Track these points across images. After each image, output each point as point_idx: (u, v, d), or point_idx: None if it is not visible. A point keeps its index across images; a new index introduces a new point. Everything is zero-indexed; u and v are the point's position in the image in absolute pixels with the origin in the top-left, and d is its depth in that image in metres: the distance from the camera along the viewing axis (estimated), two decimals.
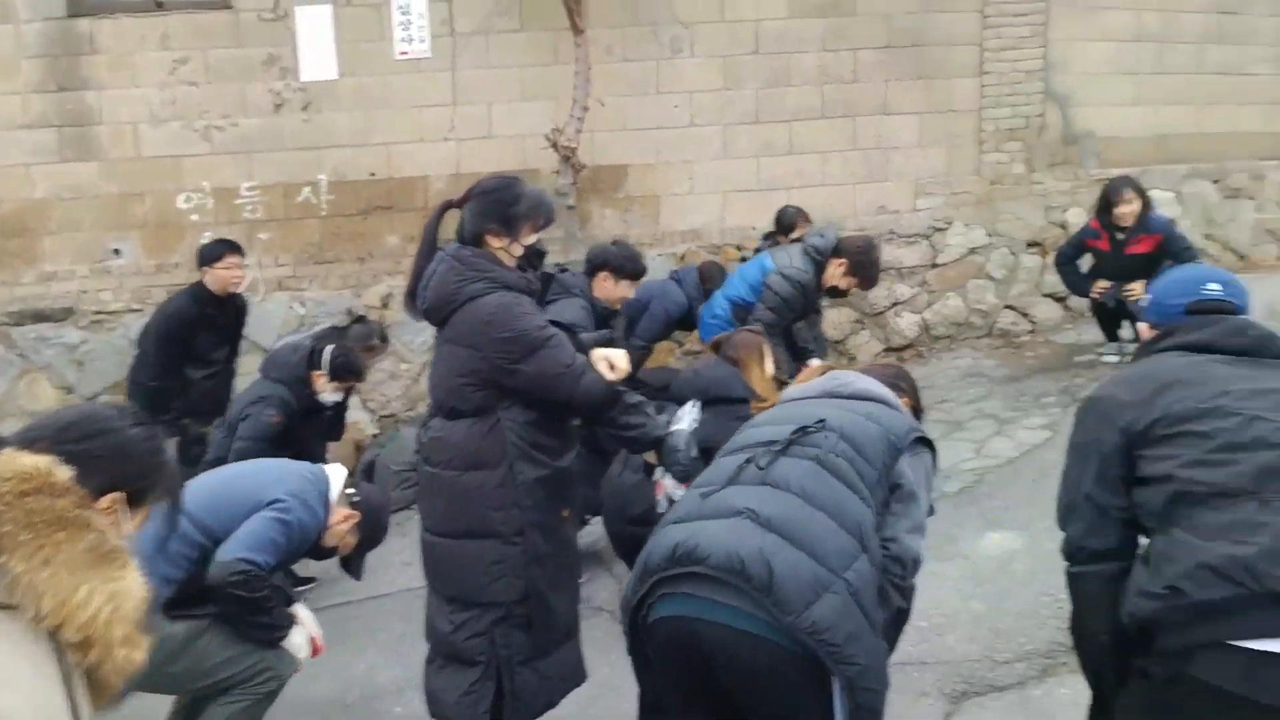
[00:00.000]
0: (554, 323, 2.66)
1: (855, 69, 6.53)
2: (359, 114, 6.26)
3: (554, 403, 2.57)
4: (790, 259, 4.61)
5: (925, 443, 2.15)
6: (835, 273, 4.59)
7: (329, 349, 4.42)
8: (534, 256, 2.75)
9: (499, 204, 2.60)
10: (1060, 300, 6.90)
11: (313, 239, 6.37)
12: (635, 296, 4.58)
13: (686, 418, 3.16)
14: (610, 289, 4.27)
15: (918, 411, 2.39)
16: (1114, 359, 5.83)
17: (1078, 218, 6.61)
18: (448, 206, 2.70)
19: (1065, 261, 5.87)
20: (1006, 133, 6.73)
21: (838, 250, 4.57)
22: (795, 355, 4.78)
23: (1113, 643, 1.83)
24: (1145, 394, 1.83)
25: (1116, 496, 1.84)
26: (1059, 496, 1.99)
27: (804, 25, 6.42)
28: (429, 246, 2.66)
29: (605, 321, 4.24)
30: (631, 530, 3.43)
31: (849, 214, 6.70)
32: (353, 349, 4.61)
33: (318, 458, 4.34)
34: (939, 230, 6.78)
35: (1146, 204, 5.47)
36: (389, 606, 4.27)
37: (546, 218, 2.71)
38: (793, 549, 1.78)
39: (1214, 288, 2.03)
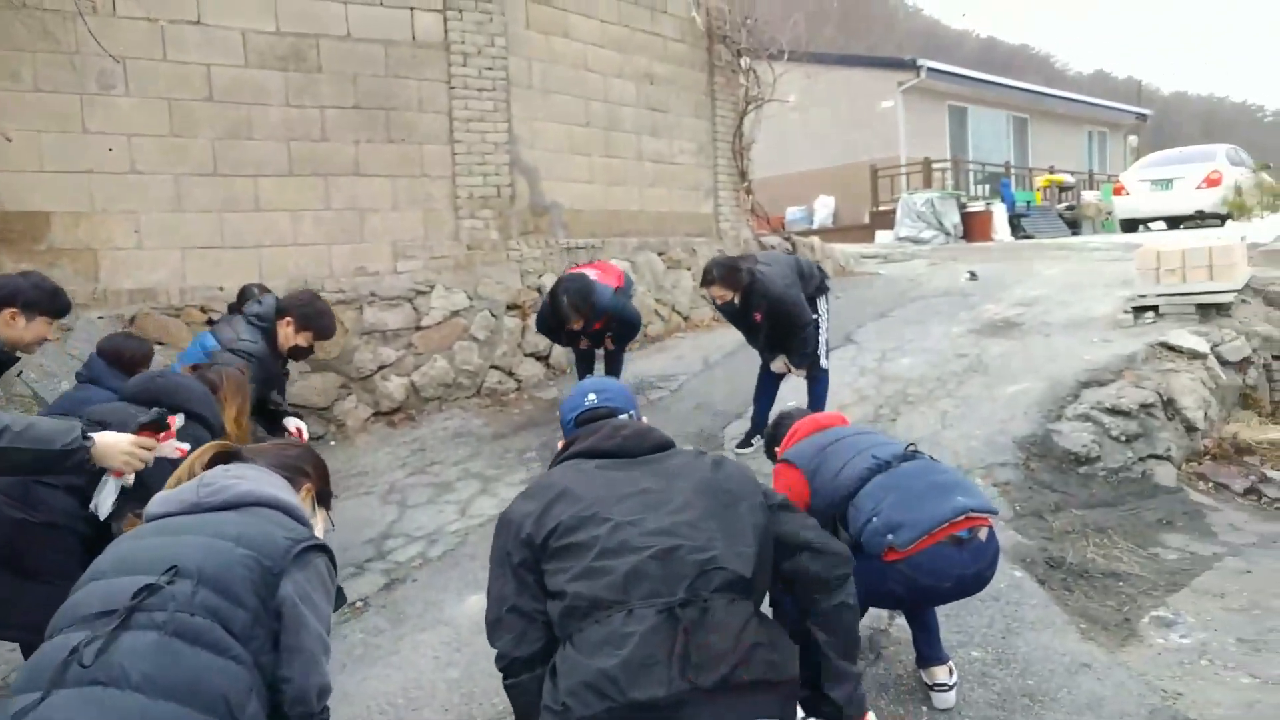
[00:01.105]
0: None
1: (323, 128, 6.33)
2: None
3: None
4: (235, 332, 4.21)
5: (316, 549, 1.83)
6: (287, 333, 4.29)
7: None
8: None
9: None
10: (542, 359, 7.33)
11: None
12: None
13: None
14: (20, 329, 3.38)
15: (324, 497, 2.09)
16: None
17: (551, 281, 7.11)
18: None
19: (541, 323, 6.19)
20: (480, 200, 7.03)
21: (281, 310, 4.28)
22: (272, 429, 4.39)
23: None
24: (541, 505, 1.93)
25: (538, 601, 1.90)
26: (487, 612, 2.02)
27: (263, 76, 6.08)
28: None
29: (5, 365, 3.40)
30: None
31: (326, 274, 6.43)
32: None
33: None
34: (421, 293, 6.79)
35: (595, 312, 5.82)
36: None
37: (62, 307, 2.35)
38: None
39: (591, 398, 2.38)
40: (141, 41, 5.69)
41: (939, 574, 2.61)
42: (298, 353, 4.46)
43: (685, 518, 1.90)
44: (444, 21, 6.73)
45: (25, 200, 5.40)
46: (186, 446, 2.45)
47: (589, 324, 5.58)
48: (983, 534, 2.68)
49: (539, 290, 7.30)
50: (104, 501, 2.44)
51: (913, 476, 2.75)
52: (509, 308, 7.21)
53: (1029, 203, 18.77)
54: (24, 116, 5.38)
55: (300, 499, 1.90)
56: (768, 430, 3.47)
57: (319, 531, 1.99)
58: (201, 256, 5.98)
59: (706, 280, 5.15)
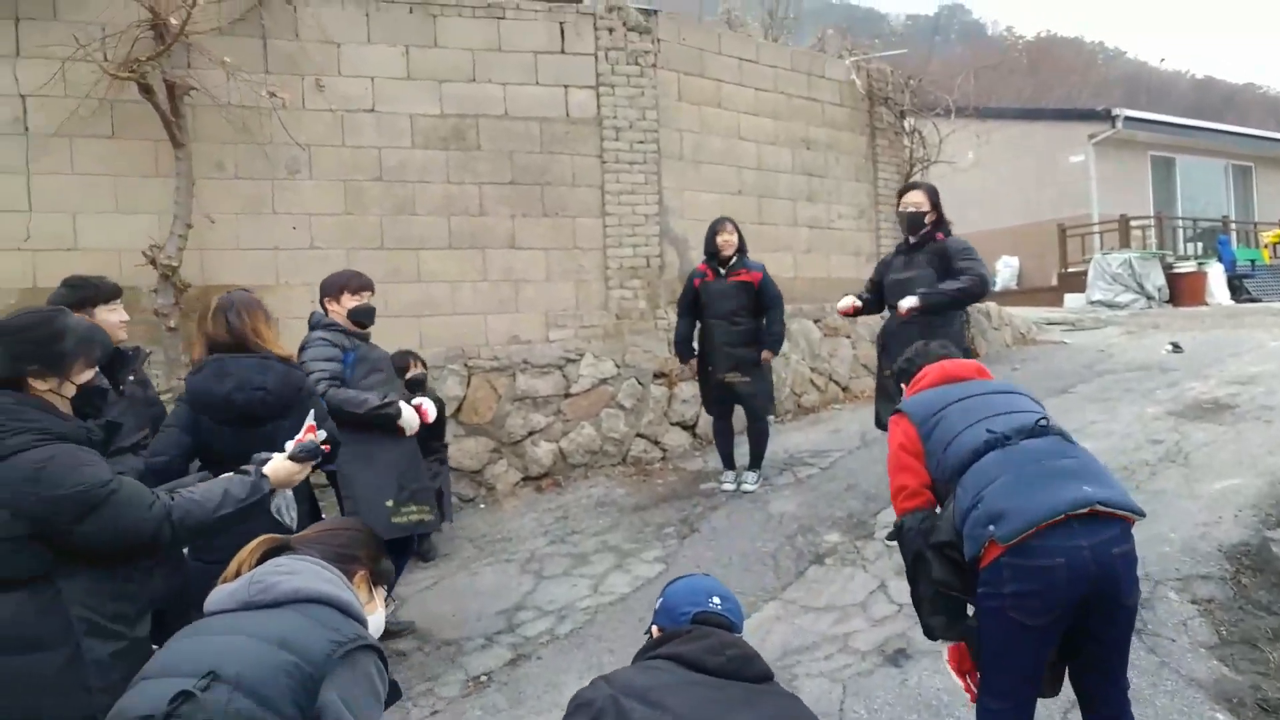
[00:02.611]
0: None
1: (481, 203, 6.67)
2: None
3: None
4: None
5: (365, 649, 1.76)
6: None
7: None
8: (94, 395, 2.41)
9: (40, 341, 2.27)
10: (689, 428, 7.29)
11: None
12: None
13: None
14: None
15: (380, 576, 2.08)
16: (730, 486, 6.15)
17: None
18: None
19: (682, 313, 6.13)
20: (630, 270, 7.15)
21: None
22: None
23: None
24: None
25: None
26: None
27: (427, 156, 6.50)
28: None
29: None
30: None
31: (482, 343, 6.71)
32: None
33: None
34: (571, 361, 6.95)
35: (742, 246, 5.89)
36: None
37: (102, 351, 2.43)
38: None
39: (716, 602, 2.16)
40: (324, 130, 6.24)
41: (1047, 551, 2.21)
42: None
43: None
44: (597, 98, 6.97)
45: (222, 275, 5.99)
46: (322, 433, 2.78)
47: (737, 260, 5.79)
48: (1115, 529, 2.25)
49: None
50: (289, 511, 2.72)
51: (1032, 457, 2.36)
52: (656, 376, 7.23)
53: (1253, 261, 16.93)
54: (225, 201, 6.00)
55: (355, 587, 1.91)
56: (899, 364, 3.12)
57: (377, 617, 2.00)
58: None
59: (907, 189, 5.18)
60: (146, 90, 5.40)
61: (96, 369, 2.42)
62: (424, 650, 4.45)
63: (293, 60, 6.15)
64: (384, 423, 4.11)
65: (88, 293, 3.39)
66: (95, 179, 5.73)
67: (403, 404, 4.17)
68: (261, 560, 1.84)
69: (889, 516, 5.47)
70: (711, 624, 2.09)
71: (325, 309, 4.26)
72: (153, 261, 5.57)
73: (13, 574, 2.13)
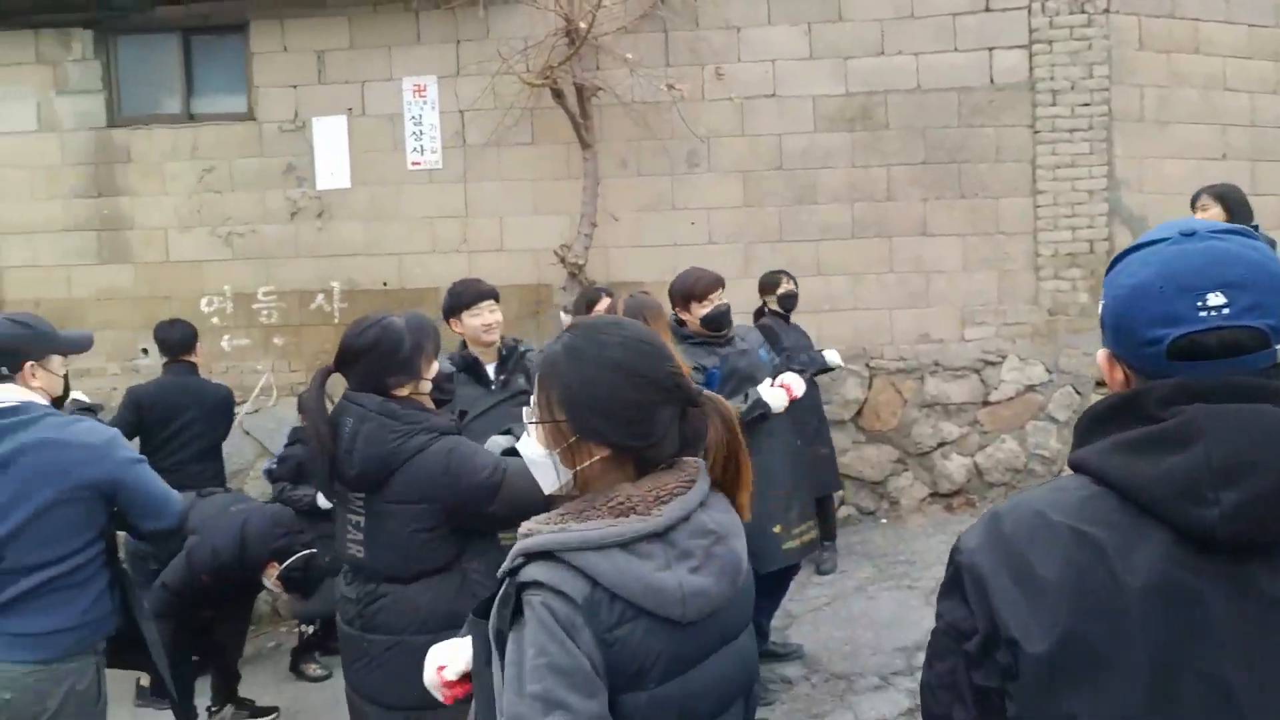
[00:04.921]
0: None
1: (888, 186, 6.02)
2: (372, 223, 6.23)
3: None
4: None
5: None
6: None
7: (306, 553, 3.95)
8: (442, 383, 2.60)
9: (387, 354, 2.41)
10: None
11: (325, 346, 6.24)
12: None
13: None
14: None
15: None
16: None
17: None
18: (327, 374, 2.47)
19: None
20: (1067, 258, 5.99)
21: None
22: None
23: None
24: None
25: None
26: None
27: (830, 140, 6.02)
28: (322, 414, 2.41)
29: None
30: None
31: (886, 341, 6.08)
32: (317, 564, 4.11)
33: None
34: (991, 364, 6.02)
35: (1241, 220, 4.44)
36: None
37: (436, 340, 2.52)
38: None
39: (1217, 303, 0.98)
40: (723, 120, 6.06)
41: None
42: None
43: None
44: (1029, 58, 5.92)
45: (624, 271, 6.10)
46: None
47: None
48: None
49: None
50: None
51: None
52: (1098, 384, 5.98)
53: None
54: (628, 199, 6.10)
55: None
56: None
57: None
58: None
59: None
60: (558, 95, 5.63)
61: (436, 359, 2.48)
62: (811, 681, 4.05)
63: (693, 51, 6.06)
64: (761, 423, 3.60)
65: (452, 301, 3.42)
66: (518, 184, 6.15)
67: (761, 388, 3.62)
68: None
69: None
70: (1212, 356, 0.98)
71: (679, 319, 3.85)
72: (562, 260, 5.82)
73: (432, 564, 2.34)
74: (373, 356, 2.38)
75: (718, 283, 3.80)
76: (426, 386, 2.46)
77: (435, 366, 2.48)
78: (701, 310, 3.74)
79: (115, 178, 6.29)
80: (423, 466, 2.30)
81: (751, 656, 1.38)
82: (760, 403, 3.62)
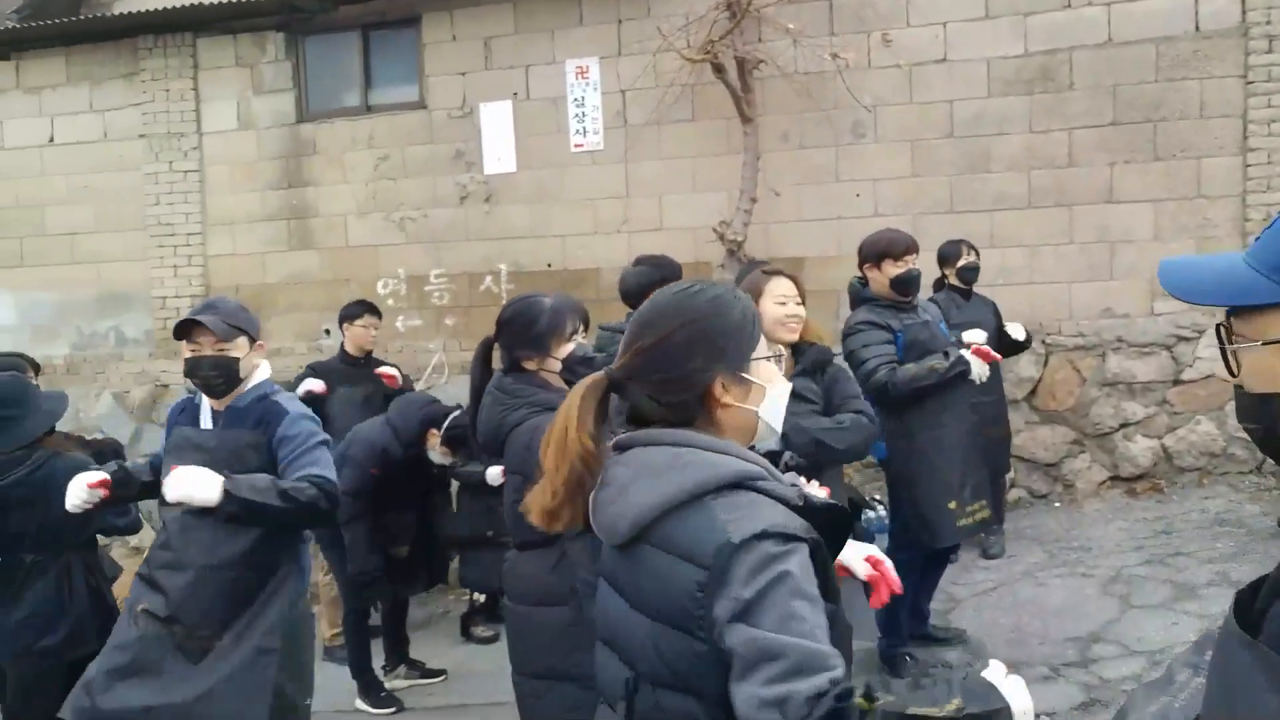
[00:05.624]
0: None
1: (1070, 151, 5.62)
2: (537, 206, 6.40)
3: None
4: None
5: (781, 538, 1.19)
6: None
7: (456, 413, 4.28)
8: (578, 365, 2.60)
9: (521, 328, 2.51)
10: None
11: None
12: None
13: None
14: None
15: None
16: None
17: None
18: (489, 344, 2.63)
19: None
20: None
21: None
22: None
23: None
24: None
25: None
26: None
27: (1006, 104, 5.66)
28: (480, 383, 2.60)
29: None
30: None
31: (1065, 316, 5.73)
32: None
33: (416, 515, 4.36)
34: (1184, 340, 5.56)
35: None
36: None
37: (575, 322, 2.57)
38: None
39: None
40: (890, 88, 5.82)
41: None
42: None
43: None
44: (1242, 1, 5.34)
45: (785, 246, 6.01)
46: None
47: None
48: None
49: None
50: None
51: None
52: None
53: None
54: (789, 172, 5.98)
55: None
56: None
57: None
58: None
59: None
60: (719, 69, 5.56)
61: (577, 340, 2.53)
62: (974, 667, 3.92)
63: (859, 17, 5.82)
64: (959, 381, 3.54)
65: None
66: (678, 161, 6.15)
67: (968, 355, 3.54)
68: None
69: None
70: None
71: (865, 277, 3.75)
72: (721, 237, 5.79)
73: (533, 536, 2.31)
74: (511, 329, 2.50)
75: (914, 246, 3.66)
76: (554, 365, 2.48)
77: (569, 347, 2.50)
78: (895, 270, 3.60)
79: (303, 170, 6.75)
80: (517, 439, 2.39)
81: None
82: (962, 360, 3.52)
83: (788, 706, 1.09)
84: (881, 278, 3.64)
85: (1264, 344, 0.90)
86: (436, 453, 4.27)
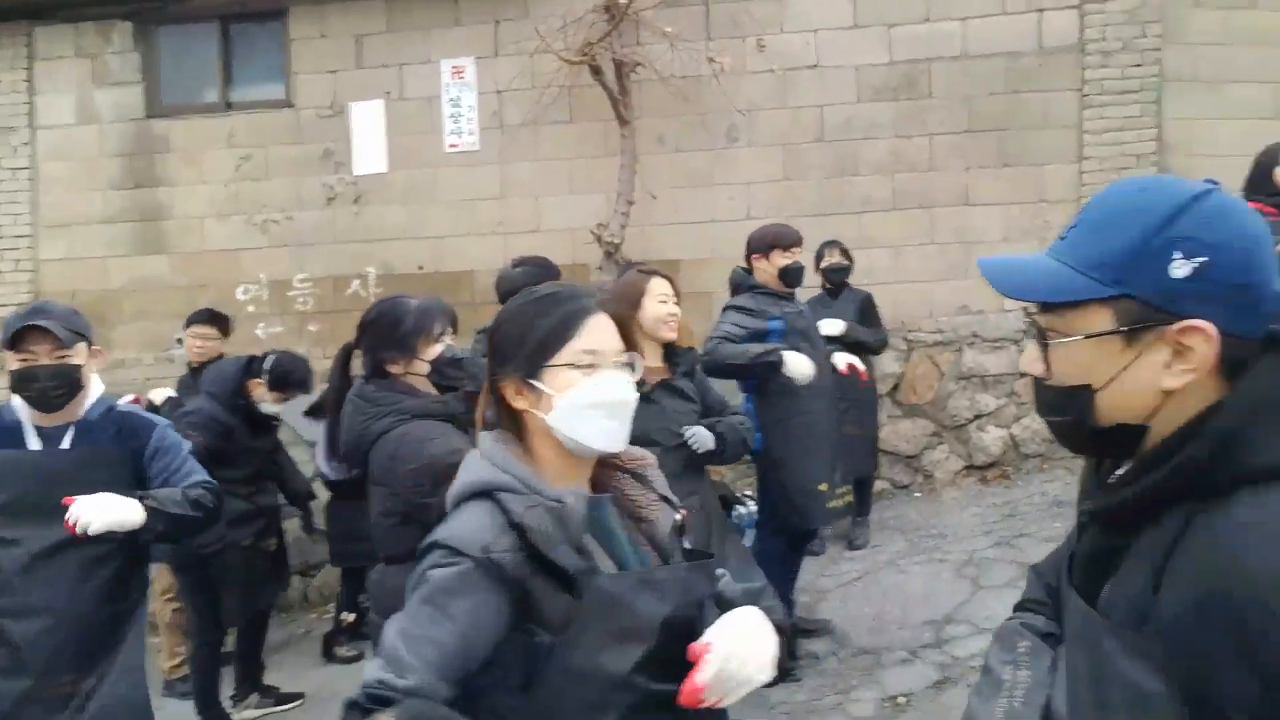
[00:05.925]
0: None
1: (931, 157, 5.93)
2: (409, 207, 6.24)
3: None
4: None
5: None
6: None
7: (271, 357, 4.13)
8: (445, 366, 2.53)
9: (386, 329, 2.44)
10: None
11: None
12: None
13: None
14: None
15: None
16: None
17: None
18: (348, 350, 2.56)
19: None
20: None
21: None
22: None
23: None
24: None
25: None
26: None
27: (873, 110, 5.92)
28: (340, 392, 2.51)
29: None
30: None
31: (925, 313, 6.04)
32: (300, 359, 4.28)
33: (273, 476, 4.27)
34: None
35: None
36: None
37: (444, 323, 2.52)
38: None
39: None
40: (763, 93, 5.98)
41: None
42: None
43: None
44: (1080, 19, 5.77)
45: (662, 249, 6.07)
46: None
47: None
48: None
49: None
50: None
51: None
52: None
53: None
54: (666, 175, 6.05)
55: None
56: None
57: None
58: (802, 296, 6.07)
59: None
60: (596, 71, 5.57)
61: (445, 342, 2.47)
62: (839, 656, 4.08)
63: (735, 22, 5.95)
64: (767, 371, 3.55)
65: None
66: (555, 163, 6.12)
67: (788, 352, 3.53)
68: None
69: None
70: None
71: (751, 266, 3.86)
72: (598, 239, 5.79)
73: (398, 550, 2.25)
74: (375, 330, 2.43)
75: (801, 240, 3.83)
76: (422, 367, 2.42)
77: (437, 349, 2.45)
78: (783, 261, 3.75)
79: (154, 168, 6.33)
80: (381, 449, 2.31)
81: None
82: (775, 353, 3.51)
83: (362, 688, 1.19)
84: (769, 267, 3.77)
85: (1086, 338, 0.97)
86: (268, 401, 4.10)
